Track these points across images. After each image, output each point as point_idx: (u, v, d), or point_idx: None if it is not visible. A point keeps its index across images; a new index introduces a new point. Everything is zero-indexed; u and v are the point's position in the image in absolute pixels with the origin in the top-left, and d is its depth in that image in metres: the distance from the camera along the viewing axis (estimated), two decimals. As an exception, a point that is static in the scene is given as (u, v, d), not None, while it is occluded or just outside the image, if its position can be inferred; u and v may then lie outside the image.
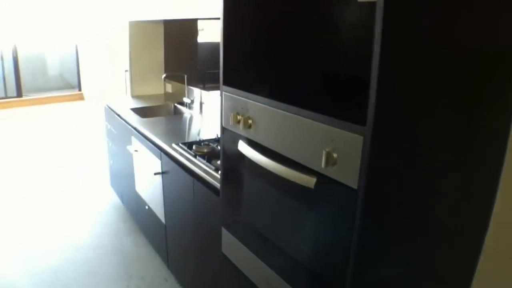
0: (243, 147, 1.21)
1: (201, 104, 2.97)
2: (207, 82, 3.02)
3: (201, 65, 3.13)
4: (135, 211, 2.95)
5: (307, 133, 1.00)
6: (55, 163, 4.37)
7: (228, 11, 1.33)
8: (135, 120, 2.71)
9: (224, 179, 1.47)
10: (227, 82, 1.32)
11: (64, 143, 5.03)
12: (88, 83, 6.94)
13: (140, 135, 2.52)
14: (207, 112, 2.92)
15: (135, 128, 2.63)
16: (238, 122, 1.24)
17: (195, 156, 1.98)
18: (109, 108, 3.19)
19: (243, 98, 1.23)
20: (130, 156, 2.75)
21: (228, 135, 1.35)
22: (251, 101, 1.20)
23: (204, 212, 1.87)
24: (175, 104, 3.18)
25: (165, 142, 2.21)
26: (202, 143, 2.14)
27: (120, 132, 2.97)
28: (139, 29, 3.42)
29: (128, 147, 2.72)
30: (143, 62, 3.51)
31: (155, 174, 2.28)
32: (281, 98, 1.10)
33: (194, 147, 2.08)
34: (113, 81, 4.09)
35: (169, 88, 3.55)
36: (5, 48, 6.93)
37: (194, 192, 1.92)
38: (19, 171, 4.14)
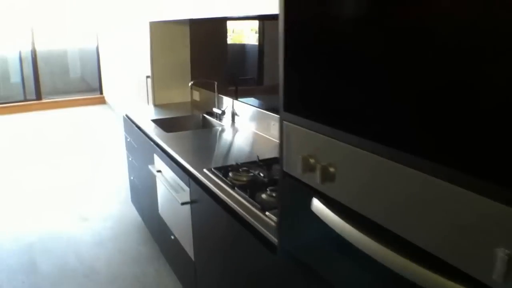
0: (322, 211, 0.80)
1: (233, 115, 2.58)
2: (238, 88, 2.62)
3: (231, 70, 2.74)
4: (158, 234, 2.59)
5: (456, 211, 0.58)
6: (73, 171, 4.07)
7: (290, 6, 0.93)
8: (158, 134, 2.34)
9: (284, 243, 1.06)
10: (291, 109, 0.90)
11: (83, 150, 4.75)
12: (110, 86, 6.68)
13: (164, 154, 2.15)
14: (240, 124, 2.53)
15: (158, 145, 2.26)
16: (312, 170, 0.83)
17: (233, 187, 1.60)
18: (129, 118, 2.84)
19: (320, 135, 0.82)
20: (152, 176, 2.39)
21: (292, 185, 0.93)
22: (335, 140, 0.79)
23: (250, 265, 1.47)
24: (204, 115, 2.80)
25: (194, 166, 1.83)
26: (240, 169, 1.75)
27: (141, 147, 2.61)
28: (161, 30, 3.04)
29: (150, 167, 2.35)
30: (167, 67, 3.13)
31: (183, 204, 1.91)
32: (386, 139, 0.70)
33: (230, 174, 1.69)
34: (134, 87, 3.76)
35: (196, 96, 3.16)
36: (24, 50, 6.73)
37: (235, 235, 1.53)
38: (29, 170, 3.90)
